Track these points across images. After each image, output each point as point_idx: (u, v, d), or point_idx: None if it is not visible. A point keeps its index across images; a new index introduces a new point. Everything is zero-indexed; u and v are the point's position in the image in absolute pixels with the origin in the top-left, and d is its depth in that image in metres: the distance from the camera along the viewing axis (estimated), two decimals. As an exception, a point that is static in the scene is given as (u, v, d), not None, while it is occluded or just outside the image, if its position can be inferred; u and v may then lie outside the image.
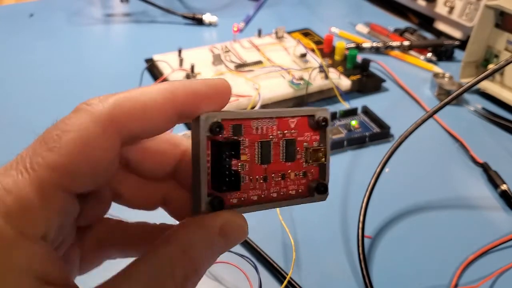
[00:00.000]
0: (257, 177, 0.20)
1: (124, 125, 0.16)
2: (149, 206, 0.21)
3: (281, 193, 0.20)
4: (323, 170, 0.21)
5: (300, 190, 0.20)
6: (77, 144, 0.14)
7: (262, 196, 0.20)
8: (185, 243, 0.17)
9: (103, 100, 0.16)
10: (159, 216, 0.23)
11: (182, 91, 0.17)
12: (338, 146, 0.50)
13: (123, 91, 0.17)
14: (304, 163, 0.20)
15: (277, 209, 0.41)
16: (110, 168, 0.16)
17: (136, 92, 0.17)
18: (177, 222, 0.20)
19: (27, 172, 0.14)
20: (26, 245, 0.13)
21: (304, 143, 0.20)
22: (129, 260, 0.17)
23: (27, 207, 0.13)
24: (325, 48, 0.67)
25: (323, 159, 0.20)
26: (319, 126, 0.20)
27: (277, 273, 0.37)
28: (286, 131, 0.20)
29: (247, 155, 0.19)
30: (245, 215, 0.19)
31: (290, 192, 0.20)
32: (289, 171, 0.20)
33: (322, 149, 0.20)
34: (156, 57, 0.62)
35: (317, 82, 0.58)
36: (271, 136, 0.20)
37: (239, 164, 0.19)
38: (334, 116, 0.54)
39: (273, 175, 0.20)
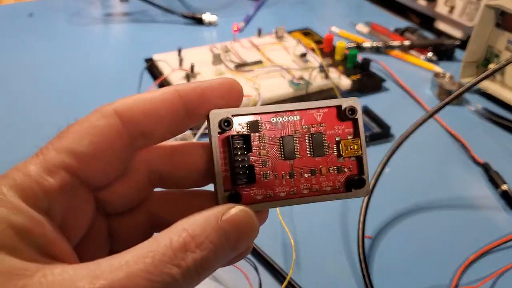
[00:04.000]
0: (282, 173, 0.19)
1: (130, 119, 0.17)
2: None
3: (314, 189, 0.19)
4: (361, 163, 0.19)
5: (337, 186, 0.19)
6: (81, 131, 0.17)
7: (292, 192, 0.19)
8: (185, 221, 0.17)
9: (111, 103, 0.18)
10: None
11: (188, 88, 0.18)
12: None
13: (128, 94, 0.18)
14: (338, 158, 0.19)
15: (277, 209, 0.41)
16: (114, 156, 0.18)
17: (142, 94, 0.18)
18: None
19: (37, 156, 0.16)
20: (24, 210, 0.15)
21: (336, 137, 0.19)
22: None
23: (31, 181, 0.16)
24: (326, 48, 0.67)
25: (359, 152, 0.19)
26: (347, 117, 0.19)
27: (277, 273, 0.37)
28: (312, 125, 0.19)
29: (267, 150, 0.19)
30: None
31: (324, 188, 0.19)
32: (320, 167, 0.19)
33: (356, 141, 0.19)
34: (155, 57, 0.62)
35: (317, 81, 0.58)
36: (294, 131, 0.19)
37: (261, 160, 0.19)
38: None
39: (301, 171, 0.19)
